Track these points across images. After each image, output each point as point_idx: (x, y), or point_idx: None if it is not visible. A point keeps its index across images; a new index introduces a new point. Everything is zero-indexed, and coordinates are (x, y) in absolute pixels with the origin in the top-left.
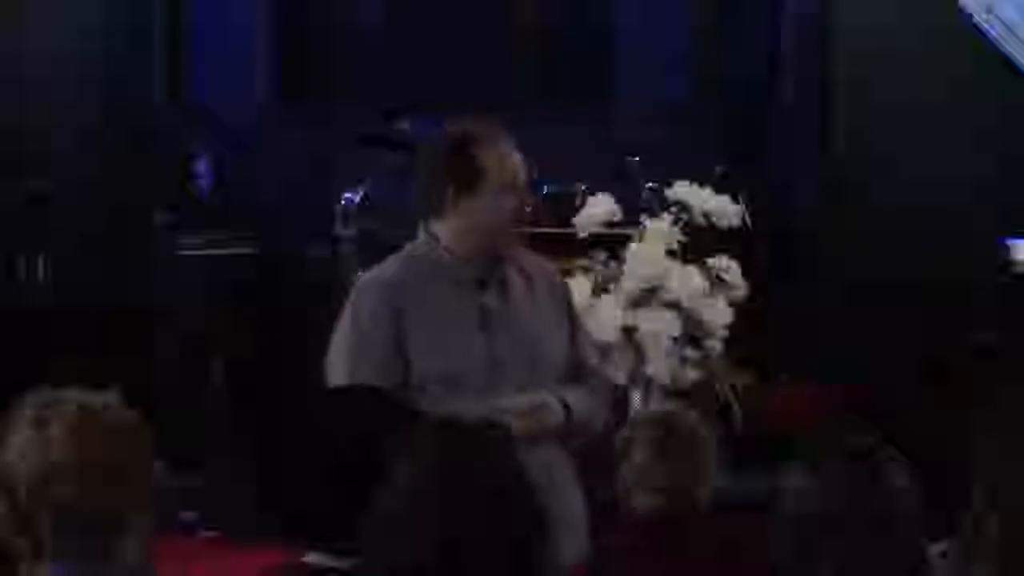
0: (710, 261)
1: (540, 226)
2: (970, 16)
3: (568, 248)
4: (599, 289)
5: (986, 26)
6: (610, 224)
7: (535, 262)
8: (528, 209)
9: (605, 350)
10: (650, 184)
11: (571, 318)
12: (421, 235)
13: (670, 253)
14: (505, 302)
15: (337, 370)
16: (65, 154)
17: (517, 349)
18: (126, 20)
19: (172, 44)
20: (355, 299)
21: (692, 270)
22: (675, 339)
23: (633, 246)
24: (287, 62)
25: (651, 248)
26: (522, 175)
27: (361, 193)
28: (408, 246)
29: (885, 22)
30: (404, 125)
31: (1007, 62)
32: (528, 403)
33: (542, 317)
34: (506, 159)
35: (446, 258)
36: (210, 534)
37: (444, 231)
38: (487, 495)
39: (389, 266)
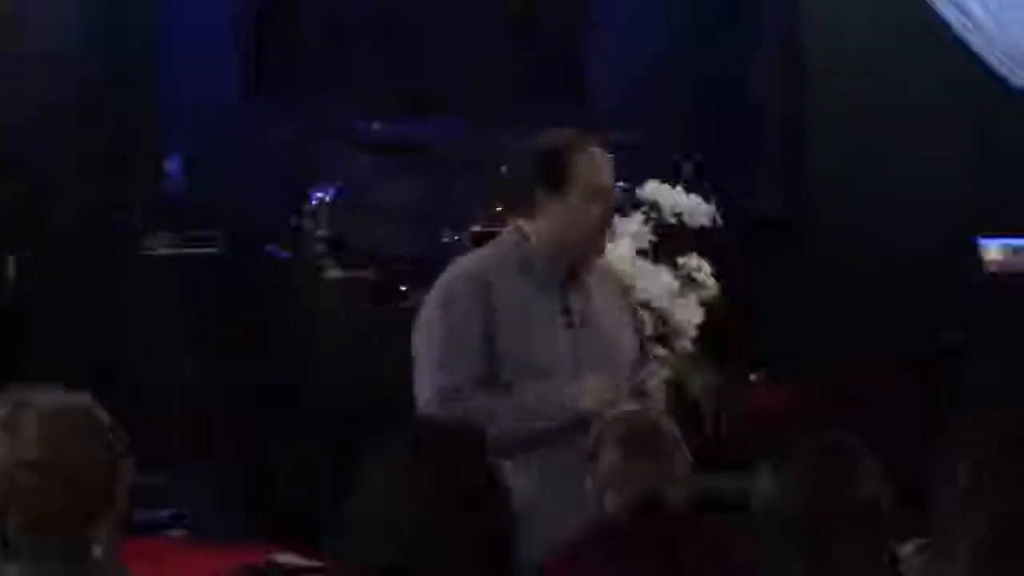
0: (681, 260)
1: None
2: (941, 13)
3: None
4: None
5: (955, 23)
6: None
7: (599, 264)
8: (612, 215)
9: None
10: (621, 184)
11: (634, 315)
12: (510, 232)
13: (641, 252)
14: (587, 302)
15: (429, 359)
16: (37, 154)
17: (598, 347)
18: (98, 18)
19: (142, 41)
20: (447, 292)
21: (663, 269)
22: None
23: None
24: (257, 59)
25: (622, 247)
26: (609, 182)
27: (331, 192)
28: (495, 241)
29: (858, 20)
30: (375, 125)
31: (978, 60)
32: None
33: (615, 316)
34: (594, 165)
35: (535, 257)
36: (177, 533)
37: (533, 231)
38: (459, 496)
39: (478, 260)
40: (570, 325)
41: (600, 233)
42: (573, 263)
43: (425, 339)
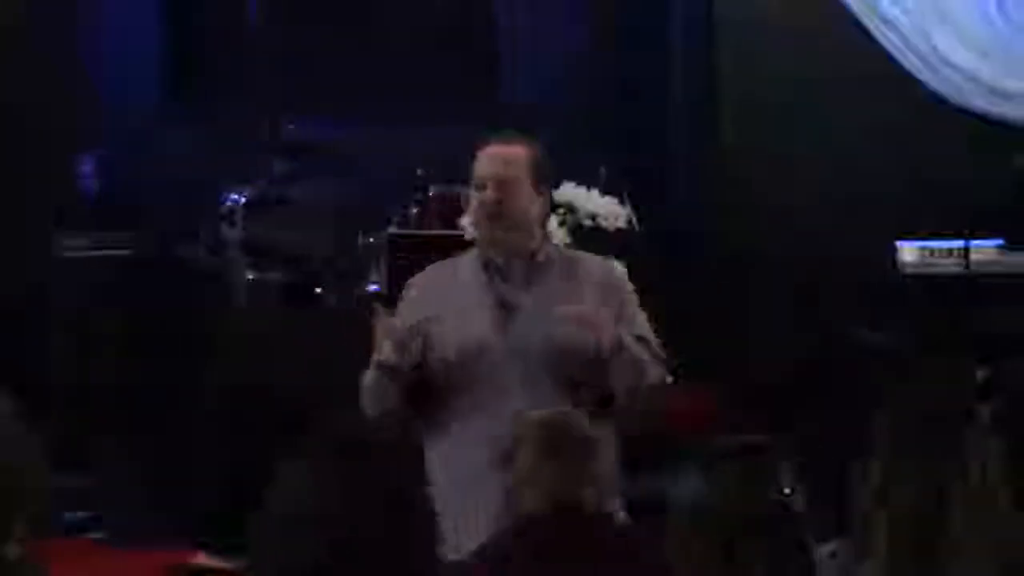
0: None
1: (426, 227)
2: (857, 16)
3: (455, 249)
4: None
5: (872, 27)
6: None
7: (586, 261)
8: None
9: None
10: None
11: (622, 312)
12: None
13: None
14: (526, 295)
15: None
16: None
17: (534, 340)
18: (11, 18)
19: (62, 43)
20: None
21: None
22: None
23: None
24: (176, 62)
25: None
26: (493, 170)
27: (246, 194)
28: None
29: (773, 22)
30: (291, 126)
31: (894, 60)
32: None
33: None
34: (482, 158)
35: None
36: (97, 535)
37: None
38: (377, 496)
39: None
40: (505, 318)
41: (486, 220)
42: (512, 256)
43: None
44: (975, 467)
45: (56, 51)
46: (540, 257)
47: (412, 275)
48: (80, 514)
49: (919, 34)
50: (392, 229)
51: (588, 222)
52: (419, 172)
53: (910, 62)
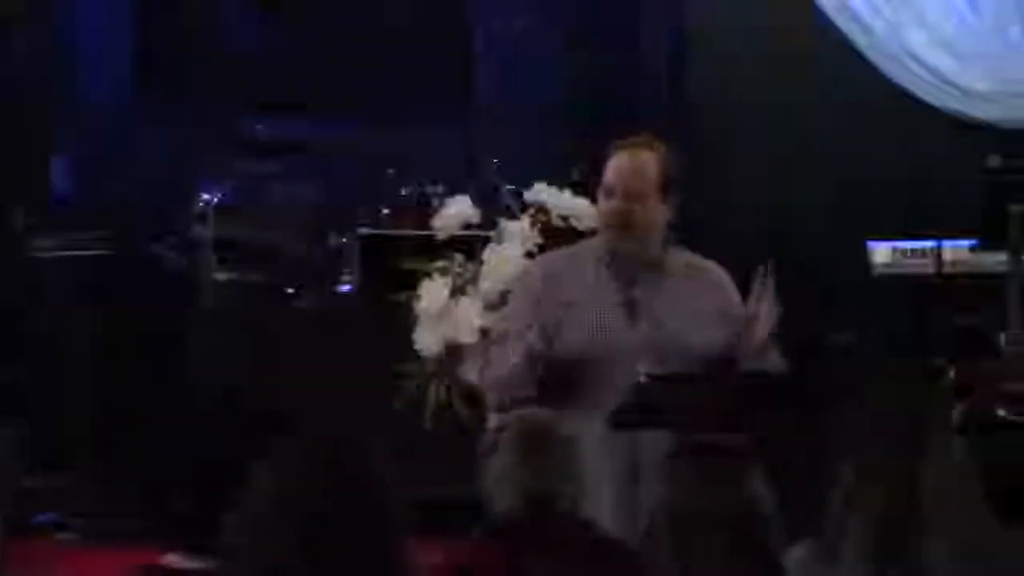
0: None
1: (398, 228)
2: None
3: (426, 249)
4: (457, 290)
5: (843, 25)
6: (468, 226)
7: (706, 265)
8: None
9: (463, 351)
10: (509, 186)
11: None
12: None
13: (528, 255)
14: (652, 294)
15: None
16: None
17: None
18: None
19: (34, 41)
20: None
21: None
22: None
23: (491, 247)
24: (149, 62)
25: (509, 250)
26: (619, 180)
27: (218, 195)
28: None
29: (745, 22)
30: (258, 126)
31: (868, 61)
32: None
33: (691, 311)
34: (615, 164)
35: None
36: (67, 536)
37: None
38: (346, 499)
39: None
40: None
41: (613, 229)
42: (638, 257)
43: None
44: (947, 468)
45: (33, 50)
46: (663, 260)
47: (383, 276)
48: (51, 515)
49: (893, 35)
50: (364, 229)
51: (560, 223)
52: (391, 172)
53: (884, 63)
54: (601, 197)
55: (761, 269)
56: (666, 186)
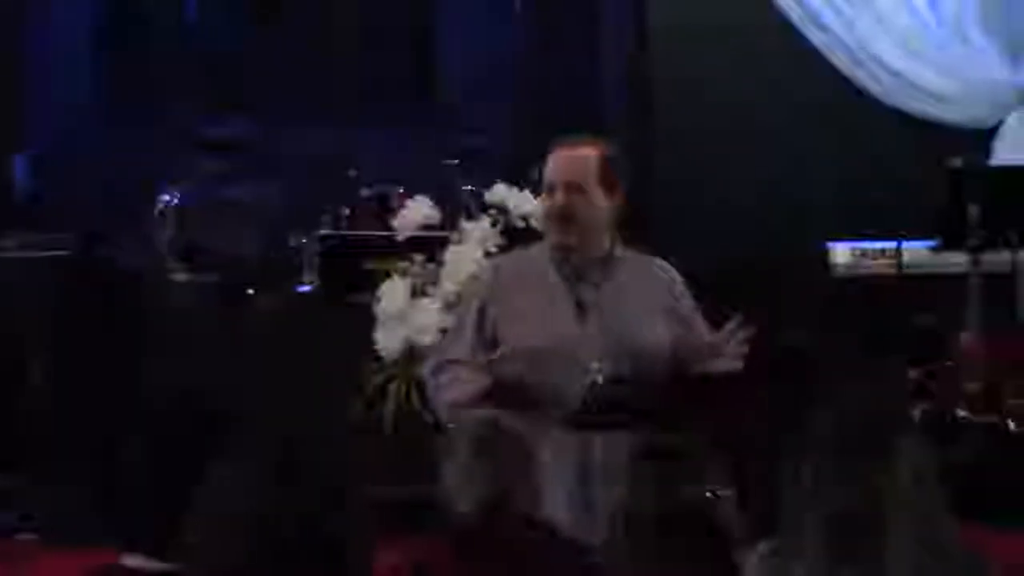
0: None
1: (358, 228)
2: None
3: (387, 250)
4: (418, 291)
5: (802, 27)
6: (428, 226)
7: (655, 262)
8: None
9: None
10: (469, 186)
11: (689, 313)
12: None
13: (488, 255)
14: (600, 293)
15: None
16: None
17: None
18: None
19: (4, 43)
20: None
21: None
22: None
23: (451, 248)
24: (109, 62)
25: (469, 250)
26: (559, 174)
27: (179, 195)
28: None
29: (706, 23)
30: (223, 127)
31: (829, 63)
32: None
33: (641, 309)
34: (553, 160)
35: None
36: (26, 537)
37: None
38: (310, 496)
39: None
40: (580, 315)
41: (555, 224)
42: (586, 256)
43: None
44: (906, 467)
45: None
46: (612, 257)
47: (343, 277)
48: (10, 514)
49: (854, 38)
50: (324, 230)
51: (520, 223)
52: (351, 173)
53: (845, 65)
54: (544, 197)
55: (738, 317)
56: (610, 181)
